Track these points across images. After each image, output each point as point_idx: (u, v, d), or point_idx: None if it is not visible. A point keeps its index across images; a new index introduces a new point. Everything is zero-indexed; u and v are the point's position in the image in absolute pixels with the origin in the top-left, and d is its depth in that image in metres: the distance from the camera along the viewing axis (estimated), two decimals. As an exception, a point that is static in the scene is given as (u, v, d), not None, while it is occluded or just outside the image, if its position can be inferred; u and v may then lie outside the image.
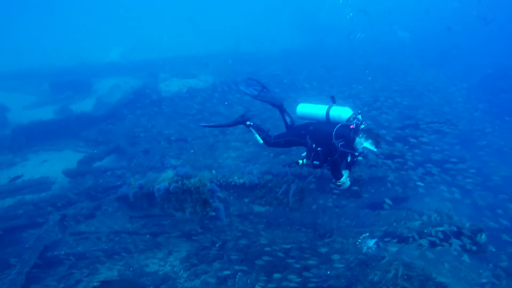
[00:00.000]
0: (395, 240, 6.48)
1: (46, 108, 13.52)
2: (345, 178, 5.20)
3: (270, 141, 5.81)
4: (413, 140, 9.49)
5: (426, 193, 9.89)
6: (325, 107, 5.51)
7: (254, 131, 5.94)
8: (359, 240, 5.24)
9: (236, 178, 6.63)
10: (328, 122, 5.45)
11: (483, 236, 5.56)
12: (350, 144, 4.98)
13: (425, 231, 5.91)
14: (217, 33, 29.48)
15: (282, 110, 6.11)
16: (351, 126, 5.06)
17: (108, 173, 9.65)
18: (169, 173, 5.36)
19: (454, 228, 5.86)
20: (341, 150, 4.95)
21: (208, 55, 21.06)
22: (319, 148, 5.19)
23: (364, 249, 5.16)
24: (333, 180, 5.27)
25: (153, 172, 8.64)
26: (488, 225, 7.96)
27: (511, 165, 11.68)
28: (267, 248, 6.13)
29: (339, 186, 5.27)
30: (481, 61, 19.68)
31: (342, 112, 5.37)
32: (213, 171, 6.89)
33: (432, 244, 6.33)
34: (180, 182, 5.06)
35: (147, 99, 13.62)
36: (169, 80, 18.07)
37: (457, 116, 12.88)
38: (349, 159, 5.12)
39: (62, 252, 6.80)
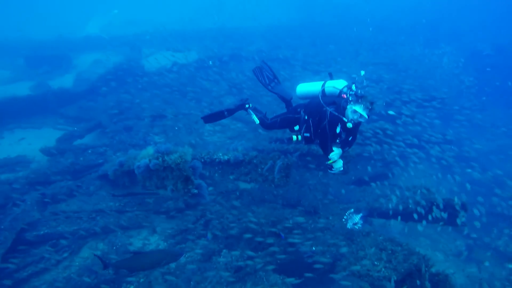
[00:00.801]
0: (379, 215, 6.51)
1: (21, 84, 12.81)
2: (335, 155, 4.97)
3: (267, 122, 5.77)
4: (391, 112, 9.47)
5: (410, 168, 10.01)
6: (321, 82, 5.46)
7: (252, 112, 5.91)
8: (344, 216, 5.18)
9: (220, 154, 6.45)
10: (324, 96, 5.35)
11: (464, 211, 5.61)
12: (340, 110, 4.88)
13: (410, 206, 5.91)
14: (205, 8, 28.40)
15: (288, 104, 6.09)
16: (343, 96, 4.94)
17: (89, 151, 9.36)
18: (150, 150, 5.13)
19: (438, 203, 5.88)
20: (330, 115, 4.82)
21: (195, 30, 20.33)
22: (310, 119, 5.13)
23: (350, 225, 5.11)
24: (327, 163, 5.06)
25: (135, 150, 8.42)
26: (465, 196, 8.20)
27: (485, 138, 12.01)
28: (252, 225, 6.05)
29: (331, 167, 5.04)
30: (472, 38, 19.61)
31: (336, 84, 5.27)
32: (192, 141, 6.66)
33: (414, 218, 6.39)
34: (160, 159, 4.84)
35: (129, 74, 13.09)
36: (153, 55, 17.38)
37: (440, 91, 12.91)
38: (338, 129, 4.92)
39: (42, 232, 6.58)
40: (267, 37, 19.45)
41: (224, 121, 10.80)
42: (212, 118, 6.05)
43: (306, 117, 5.24)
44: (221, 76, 12.75)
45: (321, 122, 4.97)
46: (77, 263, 6.45)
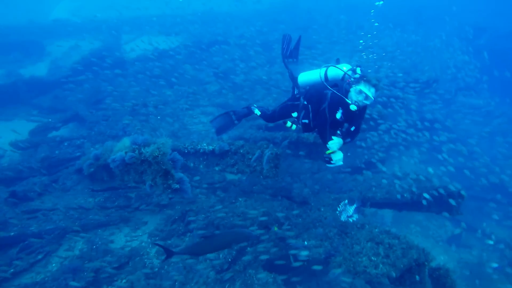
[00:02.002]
0: (372, 205, 6.27)
1: (-12, 72, 11.94)
2: (335, 144, 4.49)
3: (267, 113, 5.47)
4: (383, 97, 9.22)
5: (402, 155, 9.83)
6: (324, 69, 5.03)
7: (255, 108, 5.71)
8: (338, 208, 4.86)
9: (205, 144, 6.02)
10: (326, 80, 4.95)
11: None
12: (343, 92, 4.47)
13: (405, 195, 5.66)
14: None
15: (296, 85, 5.66)
16: (348, 81, 4.53)
17: (66, 144, 8.81)
18: (126, 141, 4.66)
19: (434, 192, 5.65)
20: (331, 96, 4.43)
21: (177, 15, 19.49)
22: (309, 105, 4.74)
23: (344, 217, 4.79)
24: (325, 157, 4.55)
25: (115, 141, 7.91)
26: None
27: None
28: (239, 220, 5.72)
29: (330, 159, 4.53)
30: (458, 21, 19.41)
31: (339, 70, 4.83)
32: (175, 130, 6.28)
33: (405, 205, 6.19)
34: (137, 151, 4.38)
35: (109, 61, 12.35)
36: (133, 41, 16.59)
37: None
38: (339, 114, 4.47)
39: (12, 234, 6.08)
40: (253, 22, 18.80)
41: (209, 109, 10.48)
42: (222, 124, 5.80)
43: (305, 103, 4.85)
44: (205, 62, 12.18)
45: (320, 105, 4.54)
46: (53, 265, 6.02)
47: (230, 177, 7.34)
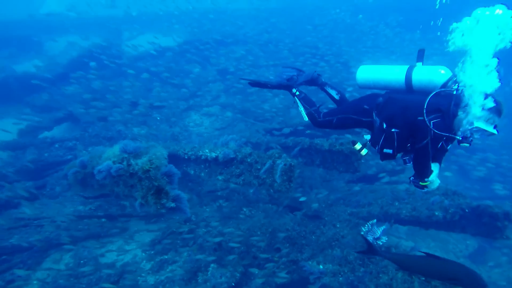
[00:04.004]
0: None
1: (-21, 67, 11.31)
2: (435, 176, 3.37)
3: (318, 120, 4.07)
4: None
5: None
6: (405, 67, 3.53)
7: (299, 103, 4.19)
8: (363, 228, 4.13)
9: (207, 151, 5.35)
10: (409, 90, 3.52)
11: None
12: (448, 121, 3.12)
13: (436, 213, 4.95)
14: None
15: (321, 82, 4.32)
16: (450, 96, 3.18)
17: (56, 145, 8.20)
18: (116, 149, 3.99)
19: (472, 210, 4.93)
20: (435, 131, 3.05)
21: (180, 12, 18.90)
22: (393, 130, 3.38)
23: (370, 239, 4.07)
24: (412, 178, 3.41)
25: (110, 144, 7.31)
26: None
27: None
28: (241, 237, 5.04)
29: (423, 187, 3.40)
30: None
31: (434, 74, 3.30)
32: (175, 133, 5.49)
33: (435, 224, 5.48)
34: (125, 162, 3.70)
35: (108, 59, 11.73)
36: (134, 39, 16.03)
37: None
38: (439, 144, 3.18)
39: (-10, 247, 5.45)
40: (259, 20, 18.19)
41: (212, 109, 9.83)
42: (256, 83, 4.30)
43: (384, 126, 3.46)
44: (208, 61, 11.54)
45: (416, 138, 3.18)
46: (35, 283, 5.39)
47: (233, 185, 6.70)
